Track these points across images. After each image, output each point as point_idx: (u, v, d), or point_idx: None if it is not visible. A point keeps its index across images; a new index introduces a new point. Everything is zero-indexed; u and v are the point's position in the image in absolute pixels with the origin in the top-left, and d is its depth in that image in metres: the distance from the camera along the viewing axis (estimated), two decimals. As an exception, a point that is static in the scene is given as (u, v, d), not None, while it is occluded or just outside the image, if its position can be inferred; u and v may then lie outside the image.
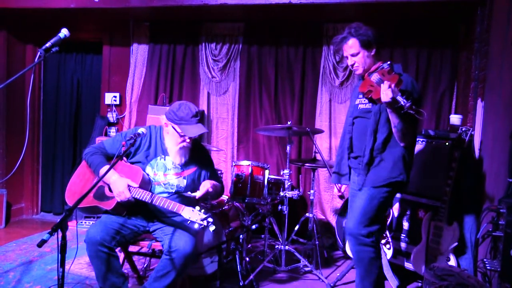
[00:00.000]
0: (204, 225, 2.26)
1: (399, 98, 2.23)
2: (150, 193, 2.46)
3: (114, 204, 2.48)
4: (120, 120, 5.04)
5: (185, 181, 2.64)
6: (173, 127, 2.55)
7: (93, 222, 4.55)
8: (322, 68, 4.45)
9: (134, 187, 2.46)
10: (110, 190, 2.50)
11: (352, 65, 2.63)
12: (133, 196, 2.44)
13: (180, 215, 2.37)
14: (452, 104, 4.13)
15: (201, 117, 2.61)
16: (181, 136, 2.55)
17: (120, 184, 2.43)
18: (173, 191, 2.62)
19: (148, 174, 2.59)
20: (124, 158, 2.63)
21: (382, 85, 2.31)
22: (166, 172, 2.62)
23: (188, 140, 2.57)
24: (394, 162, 2.54)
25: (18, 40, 4.99)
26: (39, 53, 2.07)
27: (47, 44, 2.07)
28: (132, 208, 2.55)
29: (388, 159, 2.55)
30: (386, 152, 2.55)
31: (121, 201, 2.44)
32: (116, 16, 4.68)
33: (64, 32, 2.14)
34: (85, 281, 3.17)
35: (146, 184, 2.56)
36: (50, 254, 3.79)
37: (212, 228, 2.28)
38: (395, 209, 3.50)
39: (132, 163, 2.63)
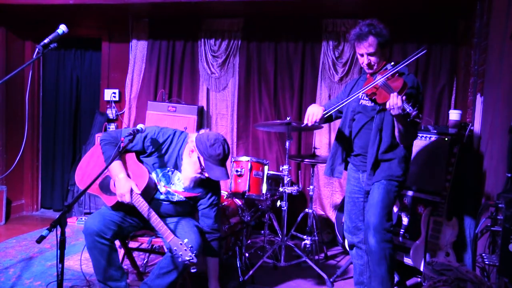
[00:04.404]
0: (187, 263, 2.25)
1: (405, 106, 2.22)
2: (148, 207, 2.40)
3: (114, 202, 2.47)
4: (120, 116, 5.03)
5: (182, 197, 2.61)
6: (198, 157, 2.47)
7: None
8: (321, 63, 4.44)
9: (136, 193, 2.41)
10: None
11: (368, 64, 2.50)
12: (132, 202, 2.40)
13: (180, 218, 2.35)
14: (451, 99, 4.13)
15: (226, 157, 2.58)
16: (201, 169, 2.49)
17: (124, 185, 2.39)
18: (174, 200, 2.60)
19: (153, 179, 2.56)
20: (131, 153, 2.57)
21: (391, 95, 2.25)
22: (168, 185, 2.58)
23: (206, 175, 2.50)
24: (398, 161, 2.55)
25: (17, 37, 4.98)
26: (37, 49, 2.05)
27: (45, 40, 2.05)
28: (132, 209, 2.51)
29: (393, 157, 2.55)
30: (390, 151, 2.55)
31: (121, 201, 2.42)
32: (115, 12, 4.66)
33: (62, 28, 2.13)
34: (86, 277, 3.17)
35: (151, 189, 2.51)
36: (50, 250, 3.80)
37: (193, 270, 2.27)
38: (395, 205, 3.49)
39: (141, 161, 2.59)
